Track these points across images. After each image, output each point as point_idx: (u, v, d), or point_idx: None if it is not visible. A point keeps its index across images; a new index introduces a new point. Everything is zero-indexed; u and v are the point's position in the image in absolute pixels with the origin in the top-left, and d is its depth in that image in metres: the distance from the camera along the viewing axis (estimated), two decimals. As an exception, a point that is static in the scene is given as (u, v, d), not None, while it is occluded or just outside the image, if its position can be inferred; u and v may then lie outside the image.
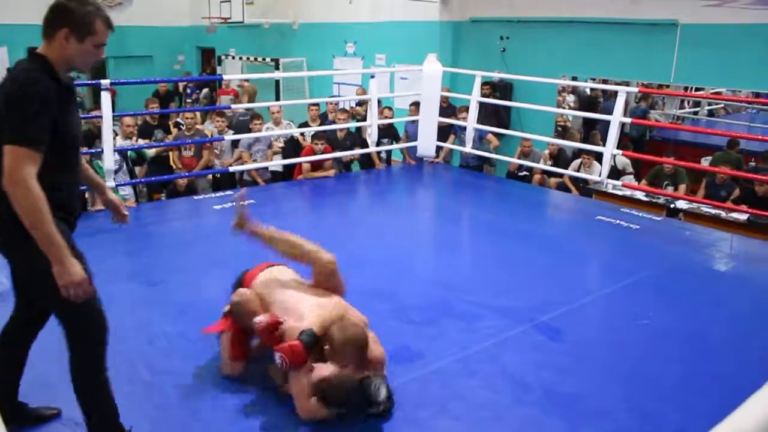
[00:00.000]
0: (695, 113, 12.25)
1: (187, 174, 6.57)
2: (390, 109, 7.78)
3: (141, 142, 6.86)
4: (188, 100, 13.01)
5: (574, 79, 8.51)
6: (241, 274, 3.10)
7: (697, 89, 9.02)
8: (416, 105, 7.56)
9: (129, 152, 6.21)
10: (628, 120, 6.48)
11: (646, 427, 2.68)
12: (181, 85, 13.22)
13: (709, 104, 12.22)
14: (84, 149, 6.26)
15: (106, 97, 5.36)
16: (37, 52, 2.14)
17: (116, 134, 6.31)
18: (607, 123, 6.15)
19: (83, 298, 2.07)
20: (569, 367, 3.15)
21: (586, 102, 11.25)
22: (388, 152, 7.92)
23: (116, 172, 5.66)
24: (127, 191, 6.05)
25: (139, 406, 2.70)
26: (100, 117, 5.47)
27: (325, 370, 2.51)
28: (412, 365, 3.07)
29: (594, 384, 3.00)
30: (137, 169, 6.49)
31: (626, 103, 6.44)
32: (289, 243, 2.95)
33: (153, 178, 6.54)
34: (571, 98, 11.55)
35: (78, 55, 2.15)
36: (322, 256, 2.88)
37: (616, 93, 6.19)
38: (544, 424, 2.67)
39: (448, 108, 7.92)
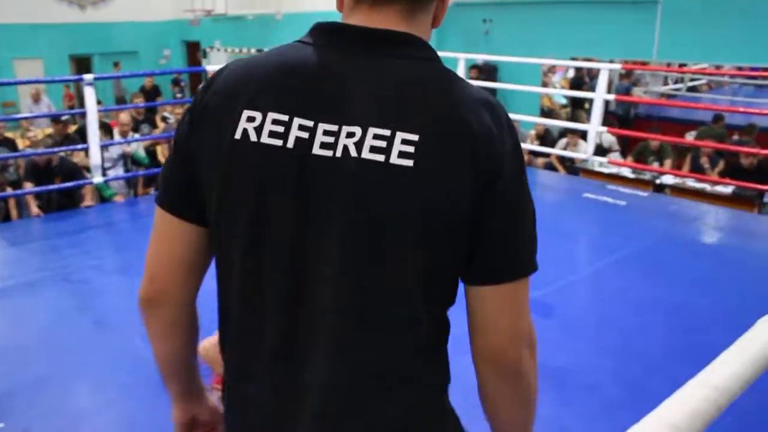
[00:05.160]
0: (678, 90, 12.32)
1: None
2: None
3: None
4: (179, 95, 13.03)
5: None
6: None
7: (680, 65, 9.08)
8: None
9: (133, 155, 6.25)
10: (611, 97, 6.51)
11: (636, 399, 2.71)
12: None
13: (692, 80, 12.29)
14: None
15: (89, 93, 5.34)
16: (410, 35, 0.88)
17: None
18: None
19: None
20: (559, 342, 3.18)
21: (573, 82, 11.31)
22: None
23: (111, 168, 5.67)
24: (117, 186, 6.04)
25: (139, 394, 2.73)
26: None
27: None
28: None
29: (584, 358, 3.04)
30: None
31: (610, 81, 6.46)
32: None
33: (140, 173, 6.53)
34: (557, 78, 11.60)
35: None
36: None
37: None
38: (535, 398, 2.71)
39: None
